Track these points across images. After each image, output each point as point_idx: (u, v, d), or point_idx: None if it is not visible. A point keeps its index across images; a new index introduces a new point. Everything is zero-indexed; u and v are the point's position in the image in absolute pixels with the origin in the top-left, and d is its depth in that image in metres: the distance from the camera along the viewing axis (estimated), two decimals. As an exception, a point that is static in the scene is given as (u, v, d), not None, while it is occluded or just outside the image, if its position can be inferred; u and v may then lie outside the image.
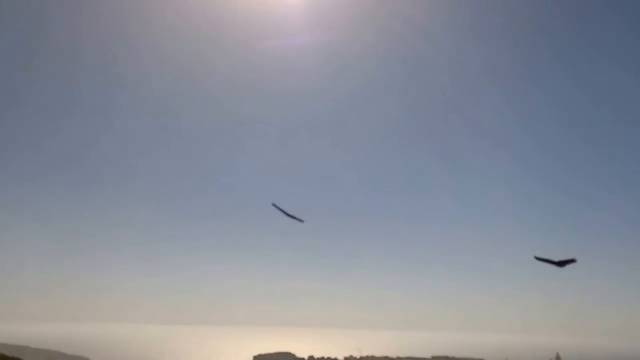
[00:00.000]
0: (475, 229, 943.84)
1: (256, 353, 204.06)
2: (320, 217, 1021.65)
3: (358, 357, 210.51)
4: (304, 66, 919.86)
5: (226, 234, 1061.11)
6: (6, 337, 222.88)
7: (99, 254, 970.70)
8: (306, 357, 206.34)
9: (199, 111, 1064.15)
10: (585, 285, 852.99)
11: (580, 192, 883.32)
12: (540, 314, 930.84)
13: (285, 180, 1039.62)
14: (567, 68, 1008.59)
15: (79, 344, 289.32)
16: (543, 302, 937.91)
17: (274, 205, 20.59)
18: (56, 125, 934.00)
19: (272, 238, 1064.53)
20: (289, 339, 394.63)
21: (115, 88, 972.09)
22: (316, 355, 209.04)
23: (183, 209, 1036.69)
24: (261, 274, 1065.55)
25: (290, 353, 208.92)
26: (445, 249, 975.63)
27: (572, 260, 20.14)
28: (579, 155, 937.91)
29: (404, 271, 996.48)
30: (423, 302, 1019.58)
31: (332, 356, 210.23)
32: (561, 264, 20.24)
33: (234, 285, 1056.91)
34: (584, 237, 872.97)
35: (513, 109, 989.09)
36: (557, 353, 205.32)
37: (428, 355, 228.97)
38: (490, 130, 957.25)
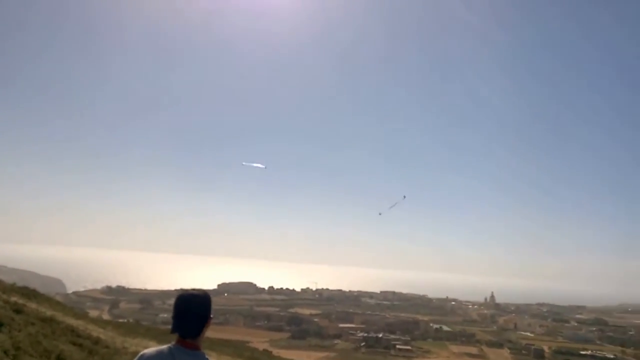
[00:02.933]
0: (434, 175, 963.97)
1: (220, 282, 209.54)
2: (280, 148, 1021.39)
3: (314, 289, 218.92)
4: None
5: (190, 167, 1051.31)
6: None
7: (72, 177, 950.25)
8: (266, 287, 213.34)
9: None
10: (522, 234, 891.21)
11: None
12: (475, 256, 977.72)
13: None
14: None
15: (51, 265, 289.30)
16: (479, 246, 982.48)
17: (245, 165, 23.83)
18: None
19: (237, 174, 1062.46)
20: (251, 270, 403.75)
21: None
22: (276, 286, 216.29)
23: (151, 135, 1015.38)
24: (228, 208, 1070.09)
25: (252, 283, 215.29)
26: (399, 191, 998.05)
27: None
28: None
29: (359, 212, 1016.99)
30: (374, 242, 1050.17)
31: (290, 287, 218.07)
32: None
33: (200, 216, 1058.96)
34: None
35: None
36: (492, 292, 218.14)
37: (377, 290, 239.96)
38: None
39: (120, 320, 52.66)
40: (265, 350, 42.40)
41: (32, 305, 14.65)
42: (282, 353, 58.26)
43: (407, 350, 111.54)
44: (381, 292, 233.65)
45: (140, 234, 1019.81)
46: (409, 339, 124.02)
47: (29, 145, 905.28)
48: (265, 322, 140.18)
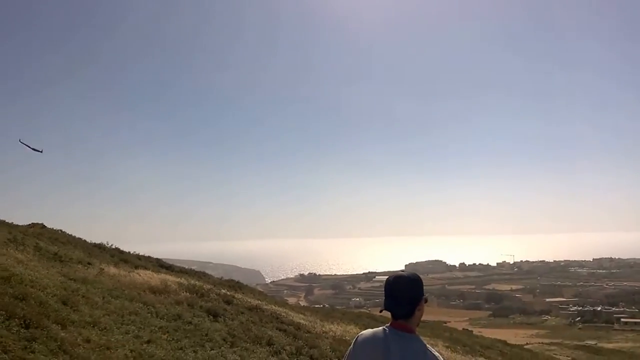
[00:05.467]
0: None
1: (407, 262, 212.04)
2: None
3: (511, 262, 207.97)
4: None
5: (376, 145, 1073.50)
6: (195, 255, 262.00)
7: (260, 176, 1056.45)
8: (457, 264, 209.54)
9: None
10: None
11: None
12: None
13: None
14: None
15: (250, 258, 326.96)
16: None
17: (20, 141, 24.29)
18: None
19: (417, 150, 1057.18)
20: (440, 247, 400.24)
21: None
22: (467, 262, 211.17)
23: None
24: (410, 185, 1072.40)
25: (441, 261, 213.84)
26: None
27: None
28: None
29: (558, 171, 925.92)
30: (574, 201, 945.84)
31: (484, 262, 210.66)
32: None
33: (385, 197, 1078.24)
34: None
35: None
36: None
37: (589, 257, 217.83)
38: None
39: (316, 306, 57.11)
40: (465, 330, 41.76)
41: (239, 296, 16.71)
42: (484, 332, 56.79)
43: (637, 323, 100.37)
44: (594, 259, 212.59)
45: (318, 222, 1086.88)
46: (637, 310, 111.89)
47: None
48: (461, 300, 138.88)
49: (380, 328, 2.89)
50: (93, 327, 8.53)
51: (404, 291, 2.86)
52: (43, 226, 21.78)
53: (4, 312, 7.26)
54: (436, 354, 2.71)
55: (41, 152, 25.89)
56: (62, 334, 7.55)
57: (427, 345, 2.77)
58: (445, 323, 68.99)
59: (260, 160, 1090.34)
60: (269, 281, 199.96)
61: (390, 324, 2.87)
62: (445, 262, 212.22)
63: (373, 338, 2.86)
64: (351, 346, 2.92)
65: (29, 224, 21.35)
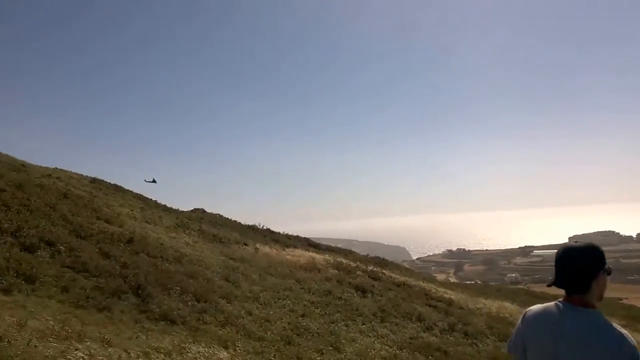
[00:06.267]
0: None
1: (572, 234, 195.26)
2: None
3: None
4: None
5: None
6: (339, 233, 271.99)
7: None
8: (634, 235, 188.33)
9: None
10: None
11: None
12: None
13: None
14: None
15: (394, 235, 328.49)
16: None
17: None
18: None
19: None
20: (611, 216, 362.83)
21: None
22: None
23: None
24: (566, 150, 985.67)
25: (613, 232, 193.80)
26: None
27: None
28: None
29: None
30: None
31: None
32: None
33: (538, 166, 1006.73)
34: None
35: None
36: None
37: None
38: None
39: (468, 282, 55.79)
40: (646, 308, 37.65)
41: (386, 272, 17.12)
42: (672, 311, 50.74)
43: None
44: None
45: (465, 195, 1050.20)
46: None
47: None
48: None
49: (552, 303, 2.70)
50: (253, 301, 9.58)
51: (577, 263, 2.65)
52: (203, 211, 24.37)
53: (178, 288, 8.51)
54: (624, 331, 2.42)
55: (154, 182, 28.79)
56: (228, 308, 8.62)
57: (612, 322, 2.47)
58: (621, 300, 62.86)
59: (397, 139, 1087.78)
60: (415, 258, 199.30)
61: (564, 299, 2.68)
62: (618, 233, 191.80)
63: (545, 314, 2.68)
64: (519, 323, 2.74)
65: (192, 210, 24.02)
